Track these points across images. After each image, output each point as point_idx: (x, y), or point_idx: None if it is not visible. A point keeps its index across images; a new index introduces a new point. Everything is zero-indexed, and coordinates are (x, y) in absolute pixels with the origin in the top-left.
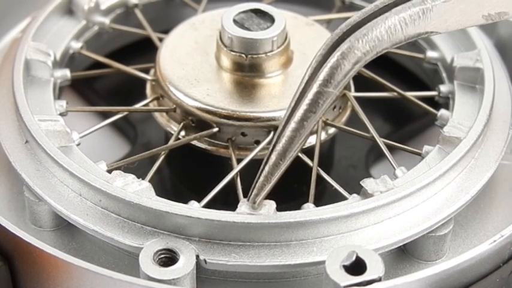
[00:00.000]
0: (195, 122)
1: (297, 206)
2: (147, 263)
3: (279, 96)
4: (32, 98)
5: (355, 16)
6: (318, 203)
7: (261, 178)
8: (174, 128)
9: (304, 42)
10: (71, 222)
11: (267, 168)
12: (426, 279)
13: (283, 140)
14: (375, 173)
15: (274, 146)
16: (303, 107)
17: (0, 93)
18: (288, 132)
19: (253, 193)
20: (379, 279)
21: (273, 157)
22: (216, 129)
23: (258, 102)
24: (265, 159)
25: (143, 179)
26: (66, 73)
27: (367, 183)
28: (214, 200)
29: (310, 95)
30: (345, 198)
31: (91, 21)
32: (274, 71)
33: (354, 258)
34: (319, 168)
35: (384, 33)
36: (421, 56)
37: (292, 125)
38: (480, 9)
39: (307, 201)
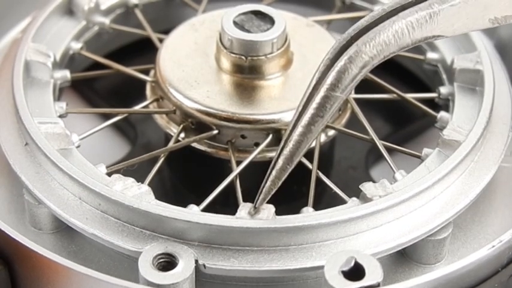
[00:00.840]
0: (194, 124)
1: (297, 207)
2: (146, 267)
3: (279, 98)
4: (31, 99)
5: (362, 20)
6: (317, 204)
7: (268, 183)
8: (173, 129)
9: (305, 44)
10: (71, 226)
11: (274, 173)
12: (425, 285)
13: (290, 145)
14: (374, 174)
15: (281, 150)
16: (310, 111)
17: (0, 95)
18: (295, 136)
19: (260, 198)
20: (377, 285)
21: (280, 162)
22: (215, 132)
23: (257, 104)
24: (272, 164)
25: (143, 181)
26: (66, 74)
27: (366, 188)
28: (214, 201)
29: (317, 99)
30: (344, 201)
31: (91, 22)
32: (274, 73)
33: (352, 263)
34: (319, 171)
35: (391, 38)
36: (421, 57)
37: (299, 129)
38: (487, 12)
39: (306, 202)
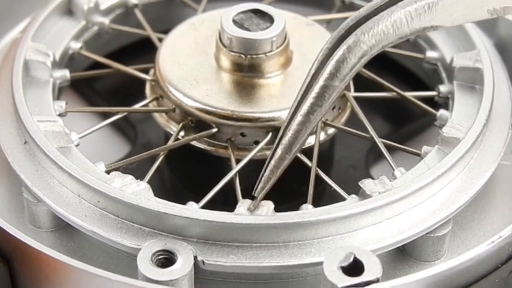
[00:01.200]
0: (194, 122)
1: (297, 207)
2: (145, 264)
3: (278, 96)
4: (31, 98)
5: (361, 10)
6: (318, 203)
7: (267, 172)
8: (173, 128)
9: (304, 43)
10: (70, 223)
11: (272, 162)
12: (424, 280)
13: (289, 134)
14: (374, 173)
15: (280, 139)
16: (309, 100)
17: (0, 94)
18: (294, 125)
19: (259, 186)
20: (376, 280)
21: (279, 151)
22: (215, 130)
23: (257, 102)
24: (271, 153)
25: (142, 179)
26: (65, 73)
27: (365, 184)
28: (214, 200)
29: (316, 89)
30: (344, 199)
31: (91, 22)
32: (274, 71)
33: (351, 259)
34: (318, 169)
35: (390, 27)
36: (420, 56)
37: (298, 118)
38: (485, 3)
39: (306, 201)
